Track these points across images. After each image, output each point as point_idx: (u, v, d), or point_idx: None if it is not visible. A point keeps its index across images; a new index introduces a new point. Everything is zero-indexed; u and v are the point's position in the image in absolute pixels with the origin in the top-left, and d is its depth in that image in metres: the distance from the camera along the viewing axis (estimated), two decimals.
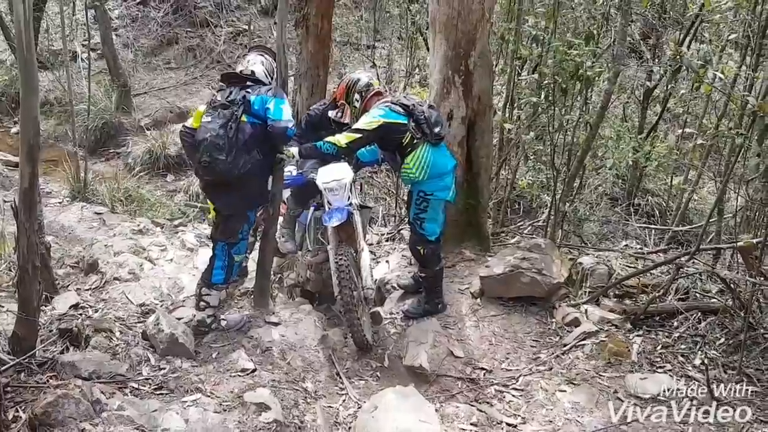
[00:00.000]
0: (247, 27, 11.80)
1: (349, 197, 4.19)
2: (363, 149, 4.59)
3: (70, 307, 3.97)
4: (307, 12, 5.02)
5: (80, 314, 3.91)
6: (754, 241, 3.40)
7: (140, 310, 4.20)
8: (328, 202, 4.18)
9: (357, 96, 4.17)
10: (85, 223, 6.80)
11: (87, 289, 4.55)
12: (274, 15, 12.59)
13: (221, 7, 12.42)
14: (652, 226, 6.27)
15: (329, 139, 3.96)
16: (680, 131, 7.06)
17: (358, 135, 3.96)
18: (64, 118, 9.93)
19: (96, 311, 4.07)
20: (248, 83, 3.86)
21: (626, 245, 5.73)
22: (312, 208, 4.48)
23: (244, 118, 3.71)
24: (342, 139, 3.92)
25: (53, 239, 5.42)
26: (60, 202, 7.43)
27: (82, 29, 11.39)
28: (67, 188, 7.74)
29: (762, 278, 3.54)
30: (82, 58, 10.82)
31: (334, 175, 4.19)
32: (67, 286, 4.56)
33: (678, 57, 3.28)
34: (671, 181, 7.47)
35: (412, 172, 4.03)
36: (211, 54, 11.99)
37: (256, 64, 4.01)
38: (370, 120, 3.97)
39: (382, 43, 11.70)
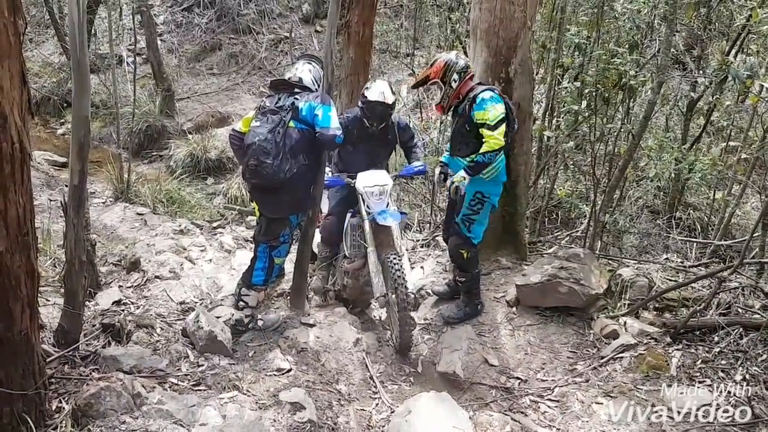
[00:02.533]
0: (288, 34, 11.98)
1: (388, 203, 4.25)
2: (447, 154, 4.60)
3: (112, 303, 4.09)
4: (349, 19, 5.11)
5: (122, 310, 4.02)
6: None
7: (180, 308, 4.29)
8: (368, 206, 4.23)
9: (455, 76, 4.14)
10: (127, 223, 6.98)
11: (129, 287, 4.66)
12: (314, 23, 12.81)
13: (263, 15, 12.64)
14: (694, 239, 6.11)
15: (486, 148, 3.95)
16: (724, 144, 6.91)
17: (504, 127, 3.99)
18: (109, 121, 10.23)
19: (137, 308, 4.17)
20: (296, 90, 3.96)
21: (667, 258, 5.61)
22: (349, 215, 4.54)
23: (291, 123, 3.80)
24: (497, 141, 3.94)
25: (96, 238, 5.58)
26: (103, 202, 7.65)
27: (128, 34, 11.73)
28: (111, 189, 7.97)
29: None
30: (127, 62, 11.13)
31: (376, 180, 4.28)
32: (110, 283, 4.69)
33: (725, 67, 3.21)
34: (714, 195, 7.28)
35: (489, 145, 3.97)
36: (253, 60, 12.19)
37: (304, 71, 4.11)
38: (495, 111, 3.97)
39: (420, 52, 11.73)
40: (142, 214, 7.26)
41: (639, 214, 7.46)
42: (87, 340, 3.40)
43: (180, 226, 6.64)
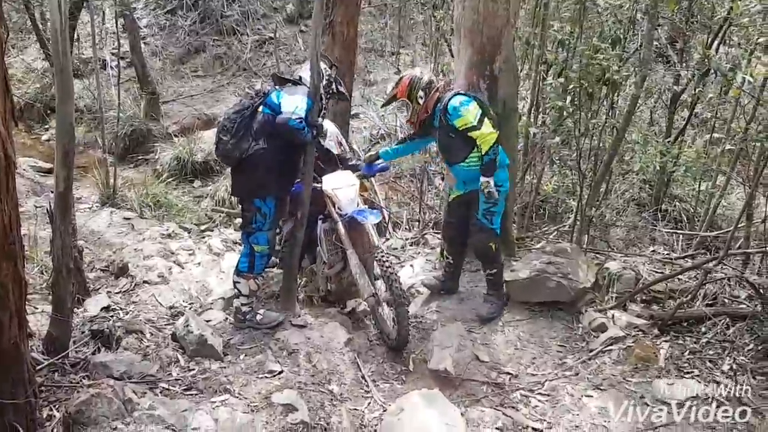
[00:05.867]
0: (273, 35, 11.93)
1: (358, 203, 4.25)
2: (387, 148, 4.67)
3: (101, 309, 4.07)
4: (333, 19, 5.09)
5: (111, 316, 4.00)
6: None
7: (170, 313, 4.29)
8: (338, 208, 4.23)
9: (421, 93, 4.21)
10: (114, 228, 6.93)
11: (117, 292, 4.64)
12: (299, 23, 12.78)
13: (247, 16, 12.58)
14: (680, 231, 6.17)
15: (486, 147, 4.01)
16: (708, 136, 6.98)
17: (488, 120, 4.08)
18: (94, 125, 10.14)
19: (126, 313, 4.16)
20: (288, 84, 4.05)
21: (654, 251, 5.67)
22: (320, 221, 4.50)
23: (260, 108, 3.93)
24: (491, 136, 4.01)
25: (83, 244, 5.54)
26: (90, 208, 7.58)
27: (111, 38, 11.64)
28: (97, 194, 7.90)
29: None
30: (111, 66, 11.05)
31: (344, 181, 4.31)
32: (98, 289, 4.67)
33: (706, 60, 3.25)
34: (699, 187, 7.36)
35: (483, 140, 4.04)
36: (238, 62, 12.14)
37: (305, 70, 4.14)
38: (471, 112, 4.05)
39: (406, 50, 11.76)
40: (129, 219, 7.20)
41: (625, 208, 7.52)
42: (76, 347, 3.39)
43: (168, 229, 6.60)
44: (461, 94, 4.21)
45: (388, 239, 6.66)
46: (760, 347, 3.61)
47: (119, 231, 6.83)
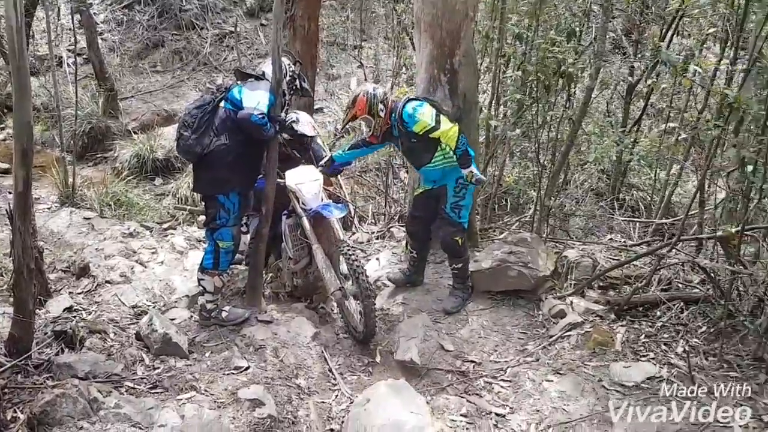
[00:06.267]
0: (233, 29, 11.80)
1: (322, 197, 4.28)
2: (339, 151, 4.71)
3: (63, 310, 4.01)
4: (293, 13, 5.07)
5: (74, 317, 3.95)
6: (733, 230, 3.49)
7: (133, 312, 4.25)
8: (303, 203, 4.25)
9: (381, 105, 4.25)
10: (74, 229, 6.80)
11: (79, 293, 4.58)
12: (260, 16, 12.66)
13: (207, 10, 12.41)
14: (636, 219, 6.36)
15: (452, 143, 4.08)
16: (664, 126, 7.19)
17: (444, 116, 4.15)
18: (51, 124, 9.91)
19: (89, 313, 4.11)
20: (250, 79, 4.03)
21: (611, 239, 5.83)
22: (284, 217, 4.51)
23: (222, 104, 3.92)
24: (452, 132, 4.07)
25: (43, 245, 5.44)
26: (49, 208, 7.42)
27: (67, 34, 11.36)
28: (56, 194, 7.73)
29: (741, 266, 3.64)
30: (68, 63, 10.80)
31: (307, 176, 4.32)
32: (60, 290, 4.59)
33: (656, 52, 3.36)
34: (655, 176, 7.57)
35: (446, 138, 4.11)
36: (198, 56, 11.99)
37: (268, 65, 4.14)
38: (427, 115, 4.11)
39: (368, 43, 11.76)
40: (89, 219, 7.08)
41: (584, 197, 7.71)
42: (39, 349, 3.34)
43: (129, 229, 6.51)
44: (412, 99, 4.27)
45: (353, 233, 6.70)
46: (712, 329, 3.76)
47: (79, 231, 6.71)
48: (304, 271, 4.57)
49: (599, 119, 7.04)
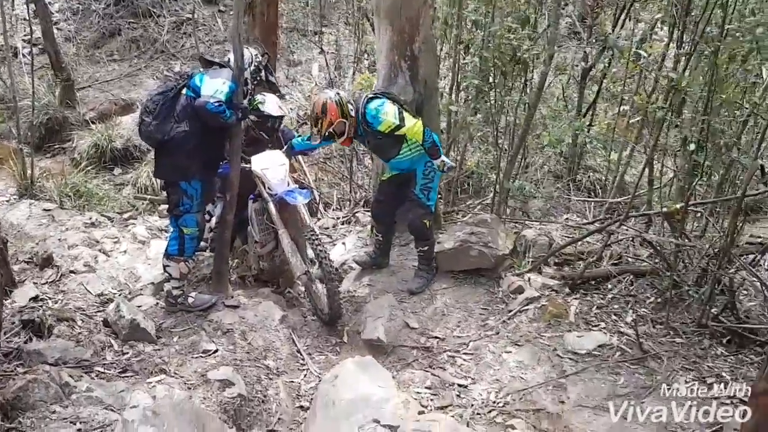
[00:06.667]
0: (190, 16, 11.65)
1: (288, 182, 4.35)
2: (298, 139, 4.78)
3: (29, 300, 4.01)
4: (253, 0, 5.10)
5: (41, 306, 3.95)
6: (677, 206, 3.70)
7: (99, 300, 4.27)
8: (269, 188, 4.31)
9: (349, 106, 4.31)
10: (34, 221, 6.71)
11: (44, 283, 4.56)
12: (217, 2, 12.51)
13: None
14: (590, 199, 6.61)
15: (417, 138, 4.23)
16: (617, 109, 7.44)
17: (406, 113, 4.29)
18: (7, 115, 9.65)
19: (56, 302, 4.12)
20: (214, 67, 4.06)
21: (567, 218, 6.05)
22: (251, 201, 4.57)
23: (184, 90, 3.95)
24: (417, 128, 4.21)
25: (5, 236, 5.38)
26: (7, 200, 7.30)
27: (22, 24, 11.08)
28: (14, 186, 7.60)
29: (685, 239, 3.87)
30: (23, 54, 10.55)
31: (273, 161, 4.36)
32: (23, 281, 4.56)
33: (604, 38, 3.52)
34: (610, 157, 7.84)
35: (412, 134, 4.25)
36: (155, 44, 11.80)
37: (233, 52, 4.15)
38: (390, 113, 4.19)
39: (329, 29, 11.76)
40: (49, 210, 6.98)
41: (543, 180, 7.94)
42: (7, 338, 3.36)
43: (90, 219, 6.48)
44: (372, 98, 4.32)
45: (319, 219, 6.78)
46: (659, 299, 3.99)
47: (39, 223, 6.62)
48: (270, 255, 4.64)
49: (556, 103, 7.22)
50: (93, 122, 9.75)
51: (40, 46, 10.51)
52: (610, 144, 7.36)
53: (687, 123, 3.35)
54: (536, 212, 7.15)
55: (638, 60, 3.74)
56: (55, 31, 10.73)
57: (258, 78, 4.24)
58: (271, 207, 4.31)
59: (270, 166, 4.34)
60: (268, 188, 4.33)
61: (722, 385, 3.20)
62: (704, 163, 3.46)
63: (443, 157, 4.38)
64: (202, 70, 4.06)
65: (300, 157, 5.48)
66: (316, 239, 4.15)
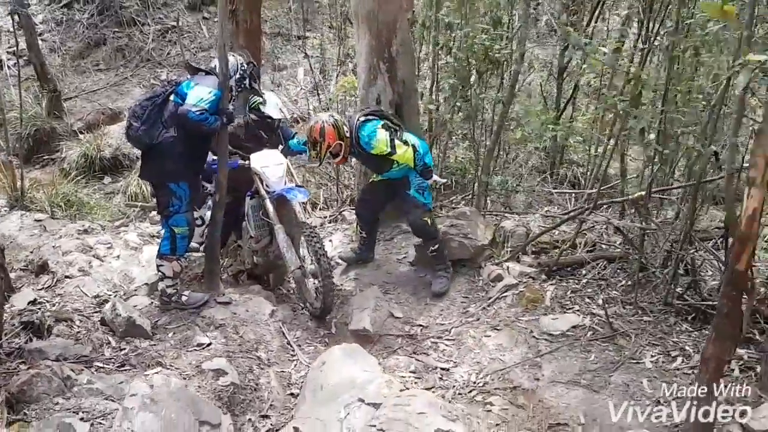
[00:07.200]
0: (175, 23, 11.81)
1: (286, 181, 4.53)
2: (295, 141, 4.97)
3: (28, 303, 4.15)
4: (235, 7, 5.25)
5: (39, 308, 4.10)
6: (640, 193, 3.91)
7: (95, 301, 4.42)
8: (267, 185, 4.49)
9: (345, 128, 4.51)
10: (26, 231, 6.83)
11: (41, 288, 4.71)
12: (201, 10, 12.66)
13: (147, 5, 12.34)
14: (568, 191, 6.82)
15: (408, 163, 4.52)
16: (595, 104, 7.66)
17: (396, 140, 4.51)
18: None
19: (53, 305, 4.27)
20: (201, 73, 4.23)
21: (547, 210, 6.27)
22: (248, 197, 4.73)
23: (171, 97, 4.10)
24: (408, 155, 4.49)
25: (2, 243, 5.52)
26: None
27: (6, 36, 11.18)
28: (4, 198, 7.71)
29: (650, 224, 4.08)
30: (9, 66, 10.66)
31: (272, 160, 4.53)
32: (20, 288, 4.71)
33: (567, 35, 3.73)
34: (590, 151, 8.06)
35: (403, 161, 4.52)
36: (141, 53, 11.94)
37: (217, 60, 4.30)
38: (382, 141, 4.43)
39: (313, 33, 11.94)
40: (41, 221, 7.10)
41: (527, 175, 8.15)
42: (8, 339, 3.51)
43: (83, 226, 6.62)
44: (364, 122, 4.52)
45: (308, 218, 6.96)
46: (629, 282, 4.21)
47: (32, 233, 6.75)
48: (265, 250, 4.79)
49: (525, 101, 7.45)
50: (81, 132, 9.88)
51: (25, 58, 10.62)
52: (590, 138, 7.60)
53: (643, 113, 3.55)
54: (520, 206, 7.37)
55: (602, 56, 3.93)
56: (40, 42, 10.84)
57: (243, 86, 4.39)
58: (268, 204, 4.45)
59: (269, 165, 4.49)
60: (266, 186, 4.49)
61: (685, 357, 3.42)
62: (662, 152, 3.67)
63: (435, 177, 4.67)
64: (189, 77, 4.22)
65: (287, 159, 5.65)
66: (315, 236, 4.31)
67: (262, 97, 4.81)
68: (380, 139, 4.43)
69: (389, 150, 4.42)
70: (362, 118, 4.57)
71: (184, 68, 4.36)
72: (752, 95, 3.60)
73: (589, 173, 8.00)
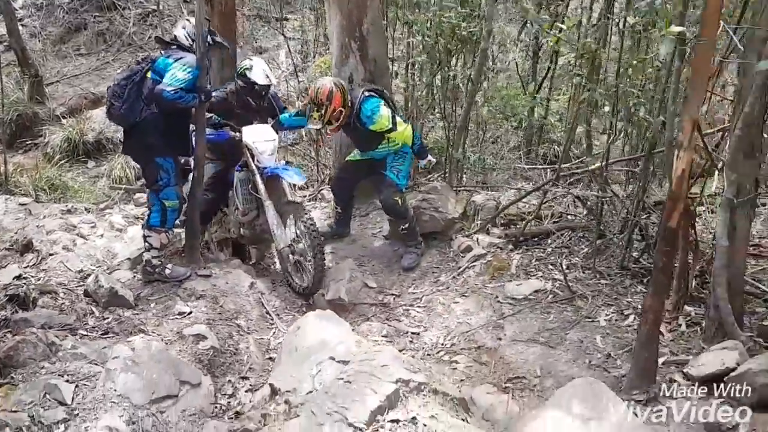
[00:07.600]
0: (155, 7, 11.81)
1: (276, 159, 4.64)
2: (286, 114, 5.07)
3: (13, 278, 4.28)
4: None
5: (24, 283, 4.24)
6: (597, 164, 4.12)
7: (79, 276, 4.56)
8: (258, 161, 4.57)
9: (349, 98, 4.60)
10: (10, 215, 6.92)
11: (26, 266, 4.85)
12: None
13: None
14: (539, 166, 7.01)
15: (404, 140, 4.72)
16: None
17: (397, 117, 4.68)
18: None
19: (38, 280, 4.42)
20: (172, 47, 4.29)
21: (522, 186, 6.46)
22: (237, 170, 4.81)
23: (149, 74, 4.18)
24: (406, 132, 4.68)
25: None
26: None
27: None
28: None
29: (609, 193, 4.29)
30: None
31: (264, 135, 4.59)
32: (5, 266, 4.85)
33: (525, 12, 3.90)
34: (567, 128, 8.23)
35: (402, 138, 4.70)
36: (122, 37, 11.95)
37: (177, 29, 4.40)
38: (385, 117, 4.54)
39: (294, 15, 11.99)
40: (25, 204, 7.19)
41: (504, 153, 8.34)
42: None
43: (67, 206, 6.73)
44: (368, 97, 4.61)
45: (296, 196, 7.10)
46: (589, 250, 4.42)
47: (16, 217, 6.83)
48: (251, 224, 4.89)
49: (504, 80, 7.61)
50: (64, 117, 9.93)
51: (5, 43, 10.64)
52: (566, 116, 7.78)
53: (596, 87, 3.73)
54: (498, 183, 7.57)
55: (559, 32, 4.07)
56: (21, 27, 10.84)
57: (207, 44, 4.39)
58: (258, 179, 4.53)
59: (260, 140, 4.54)
60: (257, 161, 4.55)
61: (637, 315, 3.64)
62: (616, 124, 3.87)
63: (429, 157, 4.91)
64: (162, 52, 4.28)
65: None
66: (306, 214, 4.39)
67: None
68: (383, 114, 4.53)
69: (390, 126, 4.53)
70: (366, 93, 4.65)
71: (155, 42, 4.43)
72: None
73: (569, 150, 8.24)
